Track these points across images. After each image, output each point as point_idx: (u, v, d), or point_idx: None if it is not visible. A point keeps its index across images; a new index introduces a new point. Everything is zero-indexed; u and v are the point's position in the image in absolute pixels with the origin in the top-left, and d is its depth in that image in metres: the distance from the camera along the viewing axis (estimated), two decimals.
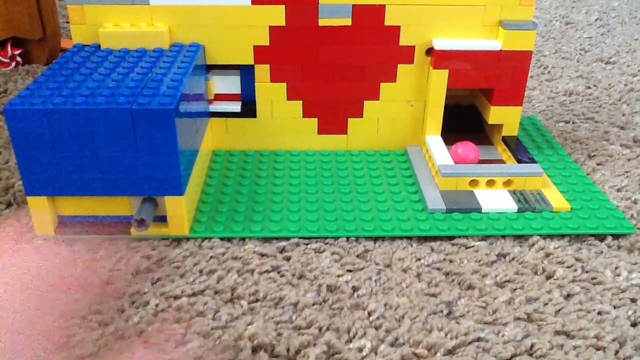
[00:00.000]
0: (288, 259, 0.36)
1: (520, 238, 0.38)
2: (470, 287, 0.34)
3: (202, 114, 0.44)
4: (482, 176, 0.41)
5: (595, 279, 0.35)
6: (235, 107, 0.46)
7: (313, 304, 0.32)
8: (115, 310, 0.32)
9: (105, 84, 0.36)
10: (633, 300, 0.33)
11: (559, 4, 0.96)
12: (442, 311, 0.32)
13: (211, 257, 0.36)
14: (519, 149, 0.45)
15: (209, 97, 0.46)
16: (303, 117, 0.47)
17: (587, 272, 0.35)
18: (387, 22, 0.44)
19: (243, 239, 0.38)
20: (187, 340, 0.29)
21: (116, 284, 0.33)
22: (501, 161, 0.46)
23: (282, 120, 0.47)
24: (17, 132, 0.34)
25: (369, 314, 0.32)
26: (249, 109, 0.47)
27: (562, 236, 0.38)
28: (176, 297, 0.32)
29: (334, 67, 0.45)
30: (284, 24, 0.43)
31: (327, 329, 0.31)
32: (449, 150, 0.44)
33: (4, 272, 0.29)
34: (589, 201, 0.41)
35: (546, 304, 0.33)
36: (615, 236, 0.38)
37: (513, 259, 0.36)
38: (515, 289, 0.34)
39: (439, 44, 0.43)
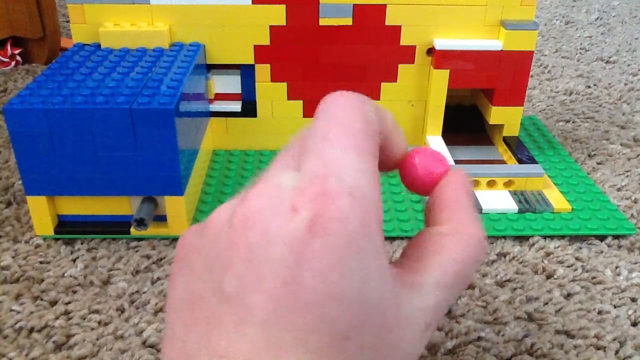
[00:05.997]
0: None
1: (520, 237, 0.38)
2: (470, 286, 0.34)
3: (202, 113, 0.44)
4: (483, 176, 0.41)
5: (595, 278, 0.35)
6: (236, 106, 0.46)
7: None
8: (115, 310, 0.32)
9: (105, 84, 0.36)
10: (633, 300, 0.33)
11: (559, 3, 0.96)
12: None
13: None
14: (519, 150, 0.45)
15: (209, 96, 0.46)
16: (303, 116, 0.47)
17: (587, 271, 0.35)
18: (388, 22, 0.44)
19: None
20: None
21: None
22: (502, 162, 0.46)
23: (283, 120, 0.47)
24: (17, 132, 0.34)
25: None
26: (249, 109, 0.47)
27: (563, 236, 0.38)
28: None
29: (335, 67, 0.45)
30: (284, 23, 0.43)
31: None
32: (449, 151, 0.44)
33: None
34: (590, 202, 0.41)
35: (546, 303, 0.33)
36: (616, 236, 0.38)
37: (513, 258, 0.36)
38: (515, 289, 0.34)
39: (440, 44, 0.43)
